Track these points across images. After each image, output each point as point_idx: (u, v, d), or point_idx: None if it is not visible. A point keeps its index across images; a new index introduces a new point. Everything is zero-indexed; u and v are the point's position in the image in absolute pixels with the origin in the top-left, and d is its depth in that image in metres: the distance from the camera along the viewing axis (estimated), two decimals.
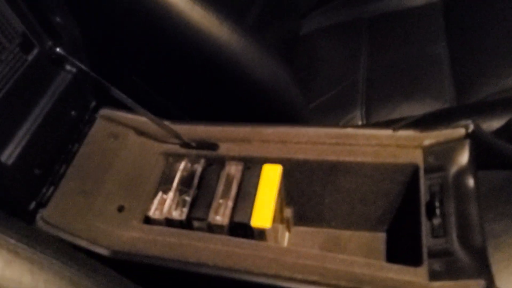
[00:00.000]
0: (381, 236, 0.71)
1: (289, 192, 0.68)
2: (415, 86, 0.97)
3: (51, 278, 0.38)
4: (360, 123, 0.97)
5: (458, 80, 0.93)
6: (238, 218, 0.58)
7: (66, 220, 0.58)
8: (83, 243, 0.56)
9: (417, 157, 0.63)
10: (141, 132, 0.67)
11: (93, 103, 0.67)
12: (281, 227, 0.67)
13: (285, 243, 0.70)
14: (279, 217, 0.64)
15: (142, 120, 0.68)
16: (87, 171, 0.62)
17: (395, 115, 0.94)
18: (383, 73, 1.00)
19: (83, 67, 0.60)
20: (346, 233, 0.72)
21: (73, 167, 0.63)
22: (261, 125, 0.68)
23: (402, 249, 0.65)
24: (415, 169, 0.63)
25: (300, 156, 0.65)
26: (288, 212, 0.70)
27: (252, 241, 0.57)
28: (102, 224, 0.58)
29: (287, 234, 0.71)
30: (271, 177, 0.62)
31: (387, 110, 0.96)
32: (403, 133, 0.65)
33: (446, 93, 0.92)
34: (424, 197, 0.60)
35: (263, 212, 0.59)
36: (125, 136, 0.66)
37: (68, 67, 0.61)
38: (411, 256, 0.58)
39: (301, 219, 0.72)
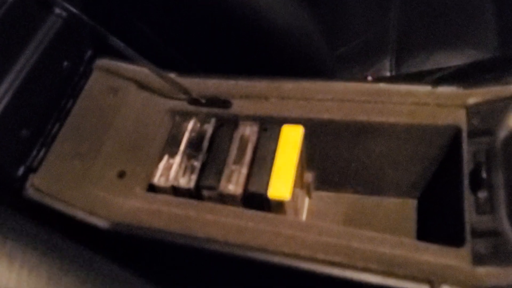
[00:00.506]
0: (412, 203, 0.63)
1: (310, 155, 0.61)
2: (453, 33, 0.86)
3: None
4: (388, 74, 0.88)
5: (504, 28, 0.83)
6: (253, 188, 0.51)
7: (60, 187, 0.52)
8: (79, 214, 0.50)
9: (460, 118, 0.55)
10: (144, 86, 0.59)
11: (89, 53, 0.59)
12: (300, 193, 0.60)
13: (305, 210, 0.64)
14: (299, 183, 0.57)
15: (145, 72, 0.60)
16: (83, 131, 0.55)
17: (429, 65, 0.85)
18: (417, 18, 0.90)
19: (74, 10, 0.52)
20: (373, 199, 0.64)
21: (66, 126, 0.56)
22: (280, 79, 0.60)
23: (438, 222, 0.57)
24: (457, 132, 0.54)
25: (325, 115, 0.57)
26: (309, 177, 0.62)
27: (269, 215, 0.50)
28: (100, 191, 0.52)
29: (307, 200, 0.65)
30: (291, 140, 0.54)
31: (420, 60, 0.86)
32: (444, 90, 0.57)
33: (489, 43, 0.82)
34: (467, 165, 0.52)
35: (282, 181, 0.51)
36: (126, 91, 0.59)
37: (57, 10, 0.53)
38: (449, 233, 0.51)
39: (323, 183, 0.64)
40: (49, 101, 0.54)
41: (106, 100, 0.58)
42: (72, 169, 0.53)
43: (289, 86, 0.59)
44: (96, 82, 0.59)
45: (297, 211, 0.58)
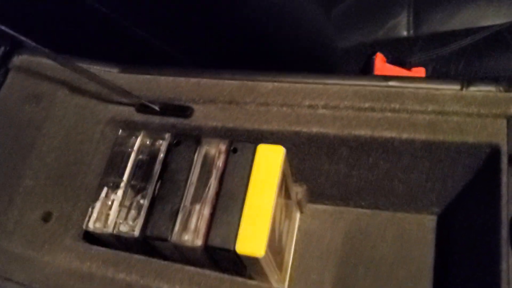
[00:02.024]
0: (430, 221, 0.50)
1: (299, 169, 0.47)
2: None
3: None
4: (405, 33, 0.71)
5: None
6: (215, 240, 0.38)
7: None
8: None
9: (498, 134, 0.40)
10: (76, 90, 0.45)
11: (3, 49, 0.44)
12: (289, 205, 0.48)
13: (295, 229, 0.51)
14: (283, 204, 0.44)
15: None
16: None
17: (455, 24, 0.68)
18: None
19: None
20: (380, 215, 0.51)
21: None
22: (257, 74, 0.45)
23: (464, 257, 0.44)
24: (493, 153, 0.40)
25: (314, 128, 0.43)
26: (299, 192, 0.49)
27: (238, 280, 0.38)
28: (17, 246, 0.40)
29: (298, 216, 0.52)
30: (268, 164, 0.41)
31: (444, 16, 0.69)
32: (477, 92, 0.42)
33: None
34: (506, 205, 0.38)
35: (255, 229, 0.38)
36: (52, 98, 0.44)
37: None
38: (479, 279, 0.39)
39: (318, 196, 0.51)
40: None
41: (25, 112, 0.44)
42: None
43: (268, 86, 0.44)
44: (12, 89, 0.44)
45: (282, 256, 0.46)
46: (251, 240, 0.38)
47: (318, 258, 0.50)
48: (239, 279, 0.39)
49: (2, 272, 0.38)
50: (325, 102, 0.42)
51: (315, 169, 0.47)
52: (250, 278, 0.43)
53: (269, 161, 0.41)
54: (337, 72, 0.53)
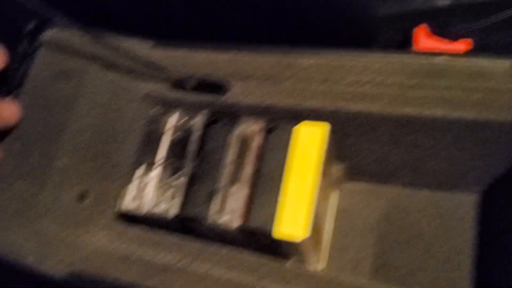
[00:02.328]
0: (471, 199, 0.48)
1: (339, 147, 0.46)
2: None
3: None
4: (447, 2, 0.67)
5: None
6: (253, 222, 0.37)
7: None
8: (27, 261, 0.38)
9: None
10: (110, 66, 0.44)
11: (32, 24, 0.43)
12: (328, 183, 0.46)
13: (334, 208, 0.50)
14: (324, 179, 0.43)
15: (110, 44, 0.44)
16: (27, 140, 0.41)
17: None
18: None
19: None
20: (420, 193, 0.50)
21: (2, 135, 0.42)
22: (296, 49, 0.43)
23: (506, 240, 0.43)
24: None
25: (357, 106, 0.41)
26: (338, 170, 0.48)
27: (275, 262, 0.37)
28: (53, 226, 0.39)
29: (336, 195, 0.50)
30: (309, 144, 0.39)
31: None
32: None
33: None
34: None
35: (294, 212, 0.37)
36: (83, 74, 0.43)
37: None
38: None
39: (357, 173, 0.50)
40: None
41: (56, 90, 0.42)
42: (13, 196, 0.39)
43: (307, 62, 0.42)
44: (42, 65, 0.43)
45: (320, 236, 0.44)
46: (290, 223, 0.37)
47: (356, 236, 0.49)
48: (277, 261, 0.38)
49: (38, 255, 0.38)
50: (369, 78, 0.40)
51: (355, 147, 0.45)
52: (288, 259, 0.42)
53: (311, 139, 0.39)
54: (378, 44, 0.50)
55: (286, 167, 0.38)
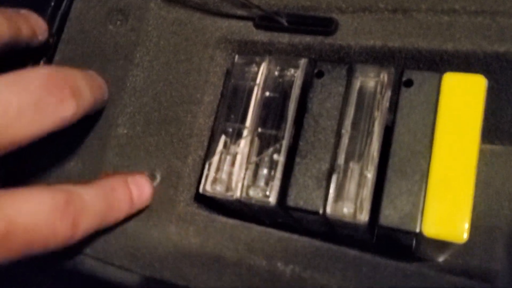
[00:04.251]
0: None
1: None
2: None
3: None
4: None
5: None
6: (391, 217, 0.27)
7: None
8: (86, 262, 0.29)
9: None
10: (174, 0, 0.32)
11: None
12: None
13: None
14: None
15: None
16: None
17: None
18: None
19: None
20: None
21: None
22: None
23: None
24: None
25: None
26: None
27: (402, 265, 0.27)
28: None
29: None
30: (463, 103, 0.28)
31: None
32: None
33: None
34: None
35: (452, 199, 0.26)
36: (142, 12, 0.32)
37: None
38: None
39: (489, 133, 0.38)
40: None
41: (109, 34, 0.32)
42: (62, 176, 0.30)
43: None
44: (89, 3, 0.32)
45: None
46: (447, 218, 0.26)
47: (487, 205, 0.38)
48: (404, 264, 0.27)
49: (100, 253, 0.29)
50: None
51: (505, 102, 0.34)
52: (412, 258, 0.32)
53: (464, 98, 0.28)
54: None
55: (432, 137, 0.27)
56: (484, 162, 0.40)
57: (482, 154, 0.40)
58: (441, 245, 0.27)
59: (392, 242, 0.29)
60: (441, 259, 0.35)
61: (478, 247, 0.38)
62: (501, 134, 0.38)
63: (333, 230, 0.30)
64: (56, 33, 0.31)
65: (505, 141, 0.38)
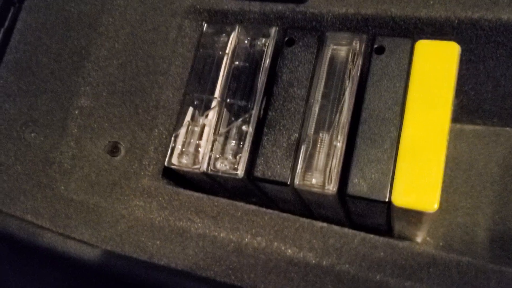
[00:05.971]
0: None
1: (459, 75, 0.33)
2: None
3: None
4: None
5: None
6: (359, 187, 0.26)
7: (6, 188, 0.29)
8: (45, 235, 0.28)
9: None
10: None
11: None
12: None
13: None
14: None
15: None
16: (38, 72, 0.30)
17: None
18: None
19: None
20: None
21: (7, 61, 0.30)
22: None
23: None
24: None
25: (506, 14, 0.28)
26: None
27: (377, 238, 0.26)
28: (78, 189, 0.29)
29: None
30: (435, 71, 0.27)
31: None
32: None
33: None
34: None
35: (422, 168, 0.25)
36: None
37: None
38: None
39: (469, 114, 0.37)
40: None
41: (73, 4, 0.31)
42: (27, 150, 0.29)
43: None
44: None
45: None
46: (417, 187, 0.25)
47: (470, 186, 0.38)
48: (380, 238, 0.26)
49: (61, 227, 0.28)
50: None
51: (483, 76, 0.33)
52: (389, 233, 0.31)
53: (436, 65, 0.27)
54: None
55: (404, 105, 0.26)
56: (467, 143, 0.40)
57: (464, 135, 0.40)
58: (413, 216, 0.26)
59: (370, 216, 0.28)
60: (419, 238, 0.35)
61: (459, 227, 0.37)
62: (483, 113, 0.37)
63: (307, 207, 0.29)
64: (18, 1, 0.30)
65: (487, 120, 0.38)
